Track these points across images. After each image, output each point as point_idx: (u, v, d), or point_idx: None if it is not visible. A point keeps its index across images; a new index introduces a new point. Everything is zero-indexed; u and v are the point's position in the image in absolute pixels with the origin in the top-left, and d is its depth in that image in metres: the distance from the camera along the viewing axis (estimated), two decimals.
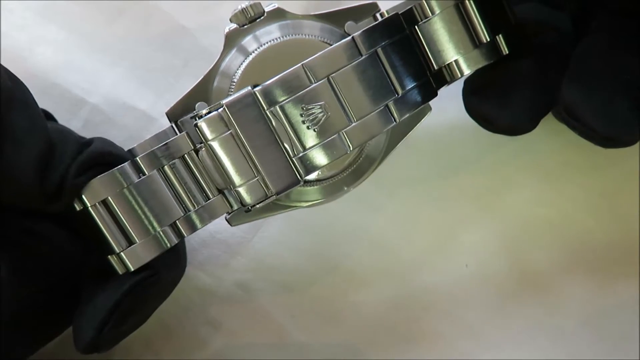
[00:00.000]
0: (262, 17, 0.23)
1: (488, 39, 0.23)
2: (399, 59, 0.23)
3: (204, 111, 0.21)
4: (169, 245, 0.22)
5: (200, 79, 0.23)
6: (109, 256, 0.22)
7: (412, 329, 0.29)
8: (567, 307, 0.29)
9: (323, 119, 0.22)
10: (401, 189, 0.29)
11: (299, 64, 0.21)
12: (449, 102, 0.24)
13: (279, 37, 0.23)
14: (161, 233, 0.22)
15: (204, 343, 0.29)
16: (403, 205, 0.29)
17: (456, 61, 0.24)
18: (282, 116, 0.21)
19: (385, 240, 0.29)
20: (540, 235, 0.29)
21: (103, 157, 0.22)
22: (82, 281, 0.23)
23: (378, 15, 0.24)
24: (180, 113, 0.23)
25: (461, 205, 0.30)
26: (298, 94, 0.21)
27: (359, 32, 0.22)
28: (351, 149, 0.22)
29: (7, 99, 0.21)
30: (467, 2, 0.23)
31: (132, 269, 0.22)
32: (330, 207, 0.25)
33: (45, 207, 0.22)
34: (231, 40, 0.23)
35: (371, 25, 0.22)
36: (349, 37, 0.22)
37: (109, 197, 0.22)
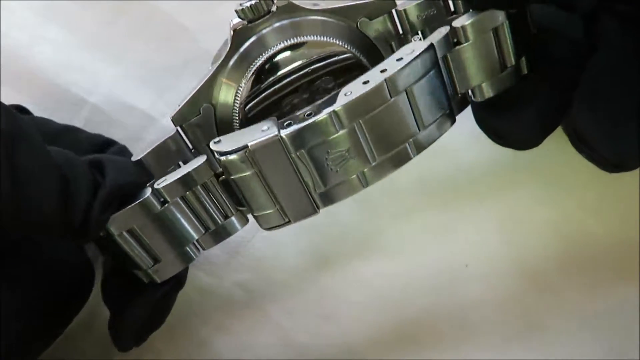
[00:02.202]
0: (272, 13, 0.22)
1: (514, 63, 0.23)
2: (427, 94, 0.21)
3: (228, 149, 0.21)
4: (193, 259, 0.23)
5: (205, 79, 0.23)
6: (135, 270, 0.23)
7: (412, 328, 0.29)
8: (567, 307, 0.29)
9: (345, 162, 0.21)
10: (400, 189, 0.29)
11: (328, 111, 0.20)
12: None
13: (289, 39, 0.23)
14: (184, 251, 0.23)
15: (204, 343, 0.29)
16: (402, 206, 0.29)
17: (480, 85, 0.23)
18: (307, 159, 0.21)
19: (385, 240, 0.29)
20: (540, 235, 0.29)
21: (122, 189, 0.22)
22: (87, 285, 0.24)
23: (394, 12, 0.23)
24: (185, 117, 0.23)
25: (461, 205, 0.30)
26: (325, 140, 0.21)
27: (394, 72, 0.20)
28: (368, 186, 0.22)
29: (10, 141, 0.20)
30: (501, 29, 0.22)
31: (159, 282, 0.23)
32: (330, 207, 0.25)
33: (72, 242, 0.22)
34: (239, 39, 0.23)
35: (407, 62, 0.21)
36: (382, 80, 0.20)
37: (134, 226, 0.22)
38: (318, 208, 0.22)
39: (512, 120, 0.23)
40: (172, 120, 0.23)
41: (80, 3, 0.30)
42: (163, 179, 0.22)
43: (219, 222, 0.23)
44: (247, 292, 0.29)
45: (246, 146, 0.20)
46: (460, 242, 0.29)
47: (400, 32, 0.24)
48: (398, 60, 0.21)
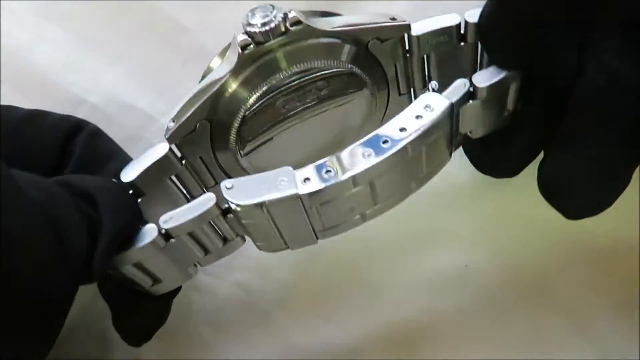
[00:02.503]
0: (284, 35, 0.21)
1: (512, 108, 0.23)
2: (437, 144, 0.22)
3: (244, 202, 0.20)
4: (191, 277, 0.24)
5: (205, 98, 0.22)
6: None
7: (412, 329, 0.29)
8: (566, 307, 0.29)
9: (354, 210, 0.22)
10: None
11: (349, 175, 0.20)
12: None
13: (300, 64, 0.22)
14: (184, 271, 0.23)
15: (204, 343, 0.29)
16: (402, 205, 0.29)
17: (478, 128, 0.23)
18: (320, 210, 0.21)
19: (385, 240, 0.29)
20: (540, 235, 0.29)
21: (122, 233, 0.21)
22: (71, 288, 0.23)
23: (405, 36, 0.23)
24: (180, 134, 0.22)
25: (460, 205, 0.30)
26: (340, 198, 0.21)
27: (415, 135, 0.20)
28: (366, 221, 0.22)
29: None
30: (514, 84, 0.22)
31: (157, 295, 0.24)
32: None
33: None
34: (246, 57, 0.22)
35: (428, 125, 0.21)
36: (404, 143, 0.20)
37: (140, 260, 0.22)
38: (317, 239, 0.22)
39: (496, 154, 0.24)
40: (167, 139, 0.22)
41: (80, 3, 0.30)
42: (169, 216, 0.21)
43: (220, 246, 0.23)
44: (247, 292, 0.29)
45: (263, 203, 0.20)
46: (460, 242, 0.29)
47: (407, 48, 0.24)
48: (417, 117, 0.21)
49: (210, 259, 0.23)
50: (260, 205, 0.20)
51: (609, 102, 0.22)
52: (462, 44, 0.24)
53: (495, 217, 0.29)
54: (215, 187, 0.24)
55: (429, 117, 0.20)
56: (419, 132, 0.20)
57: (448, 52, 0.24)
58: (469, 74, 0.24)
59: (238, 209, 0.20)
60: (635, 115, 0.22)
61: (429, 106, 0.21)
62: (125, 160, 0.25)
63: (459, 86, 0.21)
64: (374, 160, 0.20)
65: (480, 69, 0.24)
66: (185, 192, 0.24)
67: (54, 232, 0.19)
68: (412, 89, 0.25)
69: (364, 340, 0.29)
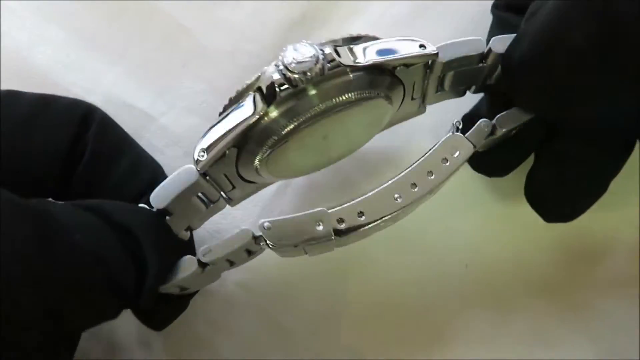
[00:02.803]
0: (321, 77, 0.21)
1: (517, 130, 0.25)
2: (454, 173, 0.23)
3: (284, 243, 0.21)
4: (215, 280, 0.25)
5: (238, 131, 0.22)
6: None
7: (413, 329, 0.29)
8: (566, 307, 0.29)
9: (375, 230, 0.23)
10: None
11: (380, 220, 0.21)
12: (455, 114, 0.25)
13: (334, 99, 0.22)
14: (211, 279, 0.25)
15: (204, 343, 0.29)
16: None
17: (485, 148, 0.25)
18: (346, 240, 0.22)
19: (384, 240, 0.29)
20: (540, 235, 0.29)
21: (166, 269, 0.22)
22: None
23: (430, 61, 0.23)
24: (210, 163, 0.22)
25: (460, 204, 0.30)
26: (368, 230, 0.22)
27: (442, 178, 0.22)
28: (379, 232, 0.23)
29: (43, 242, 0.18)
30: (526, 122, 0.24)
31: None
32: (334, 204, 0.25)
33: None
34: (282, 103, 0.21)
35: (454, 168, 0.22)
36: (431, 186, 0.22)
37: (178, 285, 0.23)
38: (334, 248, 0.23)
39: (496, 161, 0.26)
40: (198, 170, 0.22)
41: (80, 3, 0.30)
42: (208, 249, 0.22)
43: (245, 257, 0.24)
44: (247, 292, 0.29)
45: (296, 244, 0.22)
46: (460, 242, 0.29)
47: (429, 65, 0.24)
48: (443, 160, 0.22)
49: (235, 267, 0.24)
50: (296, 244, 0.22)
51: (597, 124, 0.23)
52: (481, 64, 0.24)
53: (495, 216, 0.29)
54: (232, 191, 0.25)
55: (455, 162, 0.22)
56: (446, 175, 0.22)
57: (465, 70, 0.24)
58: (479, 82, 0.25)
59: (274, 245, 0.22)
60: (620, 138, 0.24)
61: (454, 150, 0.22)
62: (135, 154, 0.25)
63: (482, 129, 0.23)
64: (403, 203, 0.22)
65: (490, 79, 0.25)
66: (205, 199, 0.24)
67: (102, 274, 0.19)
68: (424, 95, 0.26)
69: (364, 340, 0.29)
